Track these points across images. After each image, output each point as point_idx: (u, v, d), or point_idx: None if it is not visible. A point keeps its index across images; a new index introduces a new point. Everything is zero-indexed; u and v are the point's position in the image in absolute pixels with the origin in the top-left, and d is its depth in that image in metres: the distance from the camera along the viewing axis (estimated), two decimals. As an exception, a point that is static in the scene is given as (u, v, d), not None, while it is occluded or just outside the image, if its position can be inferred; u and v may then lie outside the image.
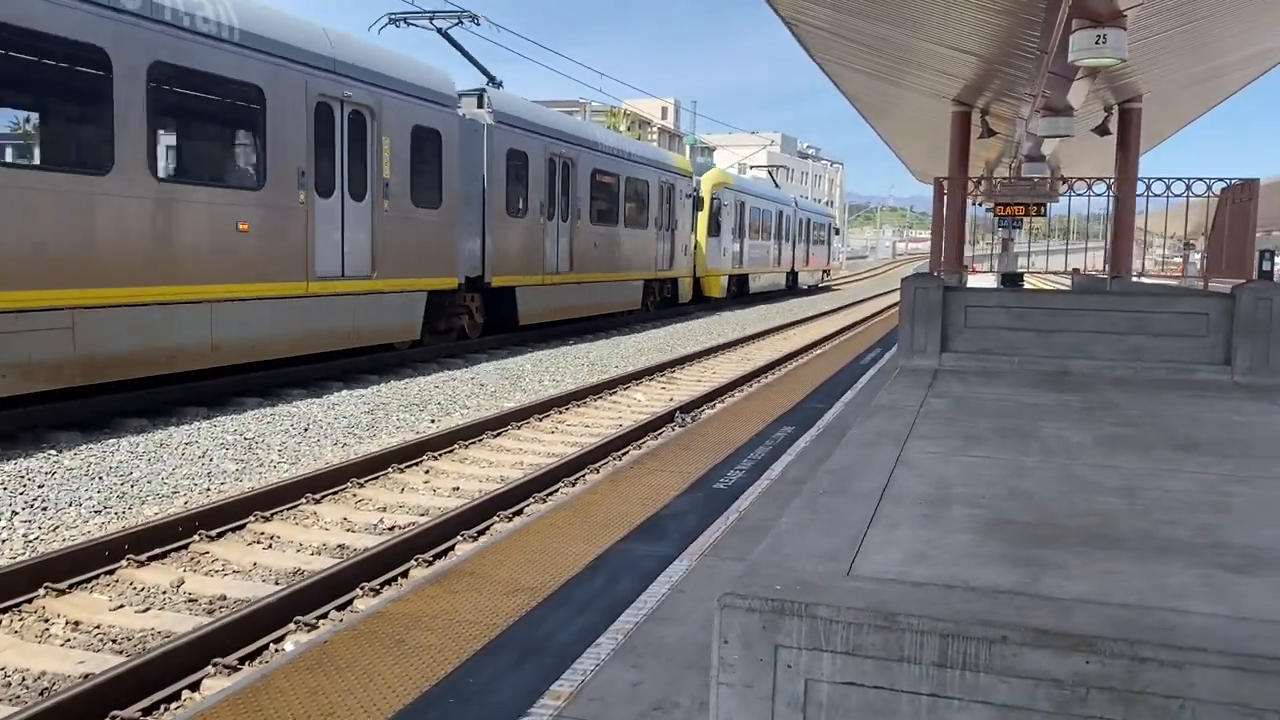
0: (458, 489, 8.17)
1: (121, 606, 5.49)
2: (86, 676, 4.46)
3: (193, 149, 11.25)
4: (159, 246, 10.10)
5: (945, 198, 12.72)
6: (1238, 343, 7.49)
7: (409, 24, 17.58)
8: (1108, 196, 13.25)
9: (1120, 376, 7.59)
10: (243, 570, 6.18)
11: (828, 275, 52.43)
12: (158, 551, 6.23)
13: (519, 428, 10.64)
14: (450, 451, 9.34)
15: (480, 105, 16.48)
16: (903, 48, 14.22)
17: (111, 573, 5.92)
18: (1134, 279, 18.63)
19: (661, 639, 4.03)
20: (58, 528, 6.69)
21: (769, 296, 36.61)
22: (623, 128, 71.93)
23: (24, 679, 4.58)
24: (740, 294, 33.31)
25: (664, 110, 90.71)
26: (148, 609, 5.47)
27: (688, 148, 74.18)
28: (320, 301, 12.28)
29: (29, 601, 5.43)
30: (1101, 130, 15.54)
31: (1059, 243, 46.45)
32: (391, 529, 7.02)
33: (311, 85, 11.98)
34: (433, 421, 10.82)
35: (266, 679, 3.66)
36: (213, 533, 6.62)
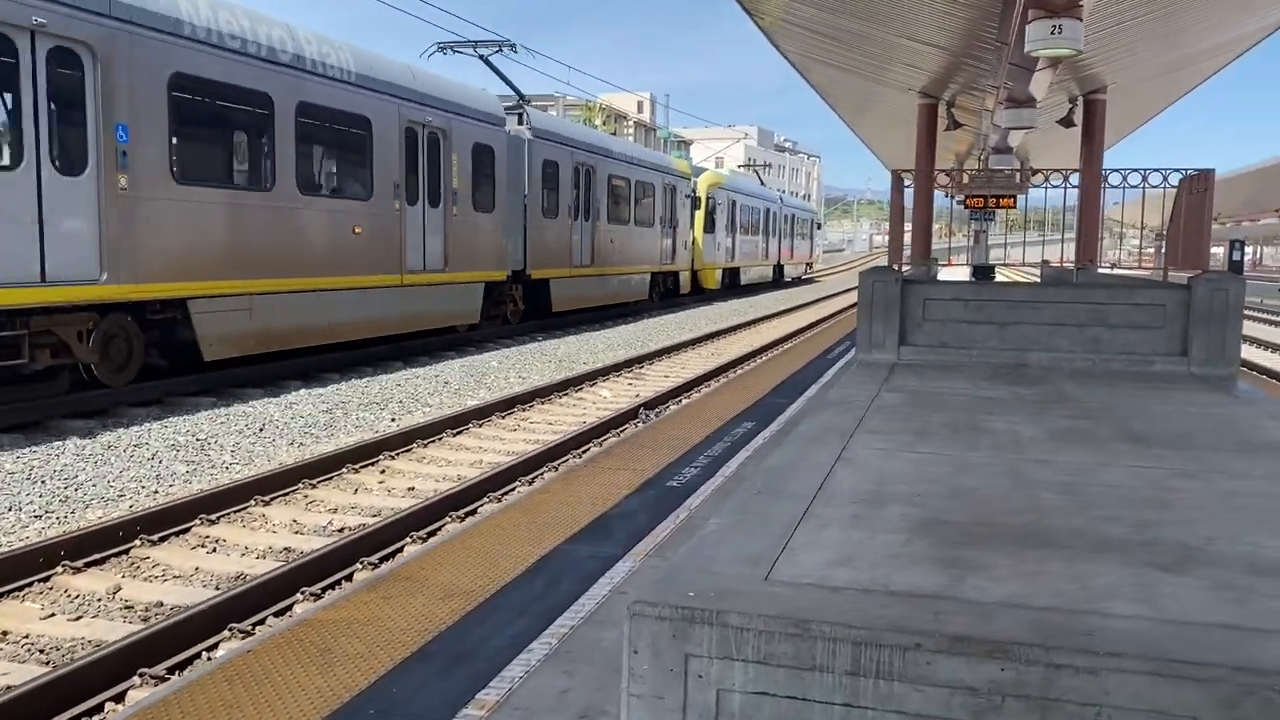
0: (413, 489, 8.04)
1: (53, 615, 5.33)
2: (8, 689, 4.30)
3: (324, 168, 13.77)
4: (303, 246, 12.83)
5: (905, 190, 12.65)
6: (1194, 333, 7.46)
7: (455, 51, 20.32)
8: (1066, 188, 13.23)
9: (1078, 368, 7.55)
10: (184, 575, 6.02)
11: (810, 268, 55.00)
12: (96, 557, 6.07)
13: (480, 425, 10.50)
14: (408, 450, 9.20)
15: (520, 122, 19.23)
16: (867, 40, 14.17)
17: (46, 580, 5.76)
18: (1108, 270, 18.69)
19: (597, 643, 3.93)
20: (-6, 534, 6.51)
21: (758, 288, 38.95)
22: (598, 122, 71.74)
23: (-57, 693, 4.42)
24: (732, 286, 35.76)
25: (639, 105, 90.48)
26: (80, 617, 5.31)
27: (662, 142, 74.06)
28: (409, 290, 15.05)
29: (-44, 611, 5.28)
30: (1066, 122, 15.55)
31: (1034, 235, 46.83)
32: (341, 531, 6.88)
33: (402, 113, 14.65)
34: (393, 420, 10.67)
35: (179, 693, 3.53)
36: (154, 537, 6.47)
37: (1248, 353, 18.85)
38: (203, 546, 6.54)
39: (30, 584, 5.68)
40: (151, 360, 11.14)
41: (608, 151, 23.79)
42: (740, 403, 10.21)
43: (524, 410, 11.50)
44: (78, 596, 5.59)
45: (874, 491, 3.82)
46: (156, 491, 7.70)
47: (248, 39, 11.68)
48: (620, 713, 2.57)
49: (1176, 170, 8.30)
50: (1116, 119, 21.26)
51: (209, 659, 4.74)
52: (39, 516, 6.91)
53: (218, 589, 5.71)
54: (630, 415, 10.99)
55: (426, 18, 64.54)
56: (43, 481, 7.63)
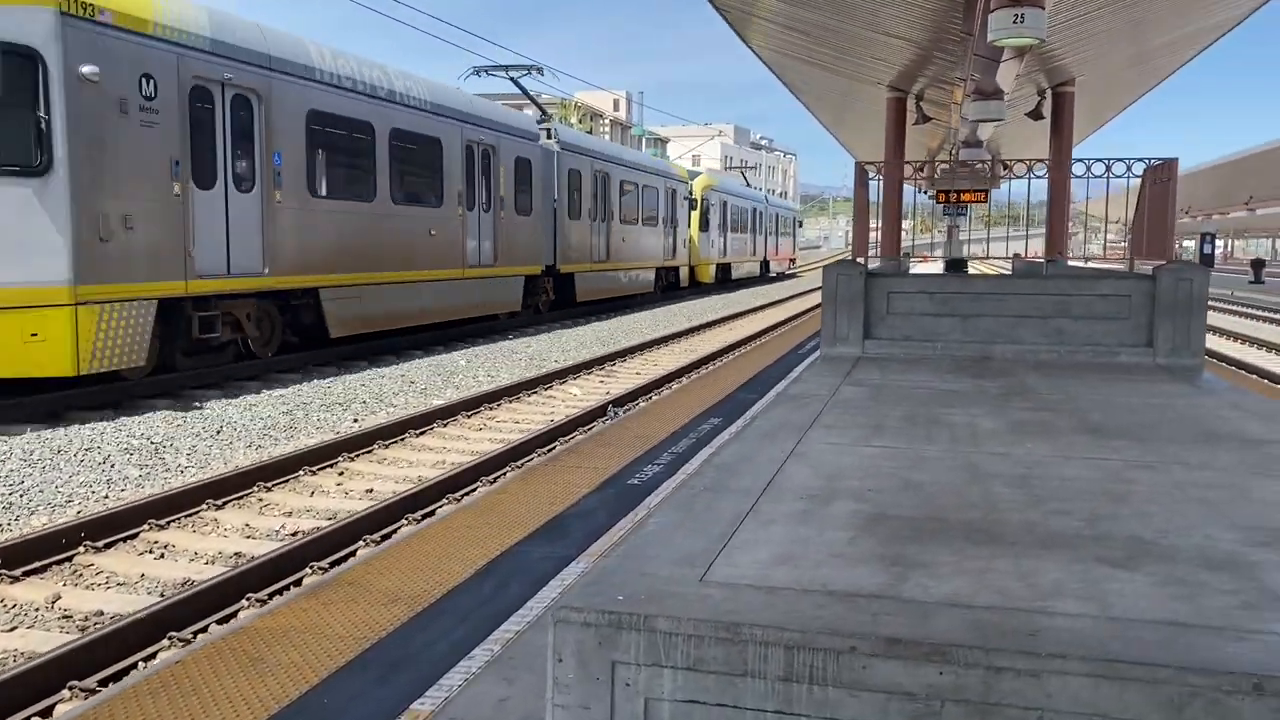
0: (371, 491, 7.87)
1: (-13, 626, 5.15)
2: (-70, 705, 4.13)
3: (409, 182, 16.15)
4: (395, 246, 15.51)
5: (871, 183, 12.59)
6: (1159, 324, 7.41)
7: (489, 74, 23.62)
8: (1031, 180, 13.21)
9: (1043, 360, 7.48)
10: (128, 583, 5.84)
11: (793, 263, 58.48)
12: (36, 565, 5.88)
13: (445, 425, 10.34)
14: (369, 451, 9.03)
15: (549, 136, 22.03)
16: (836, 34, 14.08)
17: (-18, 590, 5.57)
18: (1083, 263, 18.70)
19: (541, 649, 3.78)
20: (-67, 542, 6.30)
21: (746, 282, 42.10)
22: (574, 120, 71.56)
23: None
24: (724, 280, 38.80)
25: (615, 103, 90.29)
26: (14, 628, 5.13)
27: (636, 139, 73.93)
28: (468, 282, 17.87)
29: (-115, 624, 5.08)
30: (1035, 114, 15.53)
31: (1010, 229, 47.17)
32: (294, 535, 6.71)
33: (464, 134, 17.53)
34: (355, 421, 10.49)
35: (104, 706, 3.37)
36: (100, 543, 6.28)
37: (1219, 345, 18.94)
38: (150, 552, 6.35)
39: (-35, 594, 5.49)
40: (287, 338, 13.88)
41: (620, 160, 26.88)
42: (710, 398, 10.10)
43: (491, 409, 11.34)
44: (14, 606, 5.40)
45: (824, 487, 3.71)
46: (107, 496, 7.50)
47: (356, 79, 14.48)
48: (546, 724, 2.45)
49: (1140, 160, 8.33)
50: (1087, 112, 21.32)
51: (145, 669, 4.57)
52: (-19, 524, 6.70)
53: (162, 596, 5.54)
54: (599, 412, 10.86)
55: (401, 18, 64.05)
56: (-13, 488, 7.42)
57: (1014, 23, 7.80)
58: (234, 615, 5.24)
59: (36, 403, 9.93)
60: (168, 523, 6.79)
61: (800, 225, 69.32)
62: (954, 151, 23.42)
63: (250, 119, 12.27)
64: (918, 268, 39.23)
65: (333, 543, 6.24)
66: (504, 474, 8.24)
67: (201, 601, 5.21)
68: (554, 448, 9.27)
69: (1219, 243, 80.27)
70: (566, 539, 5.25)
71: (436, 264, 16.71)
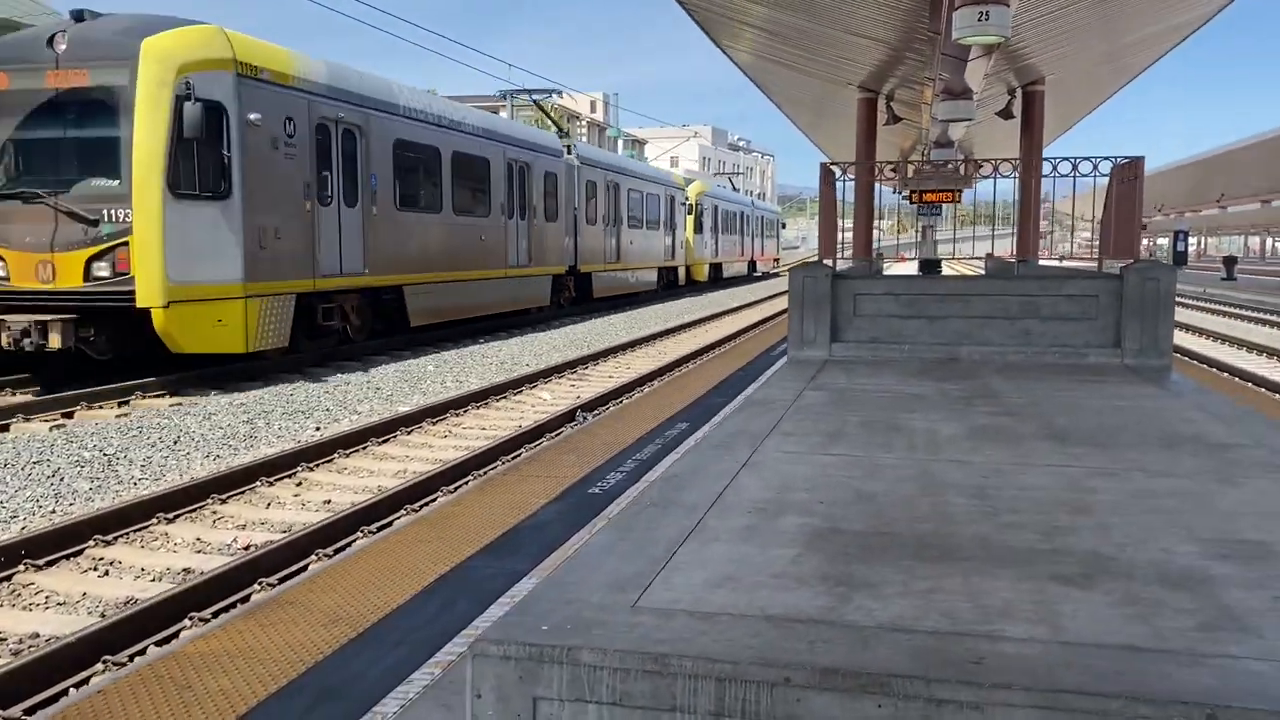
0: (329, 502, 7.69)
1: (-86, 651, 4.94)
2: None
3: (464, 196, 18.95)
4: (456, 250, 18.54)
5: (838, 184, 12.50)
6: (1127, 324, 7.33)
7: (514, 97, 28.16)
8: (998, 180, 13.17)
9: (1010, 362, 7.39)
10: (69, 602, 5.64)
11: (777, 263, 60.98)
12: (-28, 586, 5.67)
13: (409, 433, 10.15)
14: (329, 461, 8.84)
15: (569, 152, 24.91)
16: (806, 34, 14.00)
17: (-87, 612, 5.36)
18: (1055, 262, 18.69)
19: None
20: None
21: (735, 281, 45.02)
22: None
23: None
24: (716, 279, 41.71)
25: (592, 104, 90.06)
26: (-57, 653, 4.92)
27: (617, 142, 73.72)
28: (509, 280, 20.94)
29: None
30: (1005, 114, 15.50)
31: (983, 229, 47.46)
32: (247, 548, 6.52)
33: (505, 153, 20.59)
34: (318, 429, 10.29)
35: (15, 741, 3.19)
36: (40, 561, 6.07)
37: (1192, 342, 18.99)
38: (94, 570, 6.15)
39: (-107, 618, 5.28)
40: (376, 326, 16.61)
41: (627, 171, 30.40)
42: (680, 401, 9.97)
43: (458, 415, 11.16)
44: (-54, 630, 5.19)
45: (774, 500, 3.57)
46: (54, 511, 7.28)
47: (427, 112, 17.50)
48: (463, 765, 2.29)
49: (1106, 159, 8.29)
50: (1059, 110, 21.35)
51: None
52: (-81, 542, 6.47)
53: (103, 616, 5.34)
54: (568, 417, 10.71)
55: (361, 17, 63.56)
56: (-72, 504, 7.19)
57: (978, 20, 7.72)
58: (175, 636, 5.05)
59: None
60: (115, 538, 6.59)
61: (784, 226, 72.94)
62: (926, 152, 23.42)
63: (355, 148, 15.17)
64: (894, 268, 39.32)
65: (284, 557, 6.05)
66: (467, 482, 8.07)
67: (142, 622, 5.02)
68: (520, 454, 9.10)
69: (1192, 240, 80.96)
70: (520, 553, 5.10)
71: (485, 265, 19.86)
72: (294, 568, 6.01)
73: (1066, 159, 8.50)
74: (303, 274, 13.82)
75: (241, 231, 12.51)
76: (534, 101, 27.68)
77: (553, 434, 10.01)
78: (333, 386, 12.67)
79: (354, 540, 6.58)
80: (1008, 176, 9.85)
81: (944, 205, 28.78)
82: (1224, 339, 19.88)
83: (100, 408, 10.73)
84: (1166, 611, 2.41)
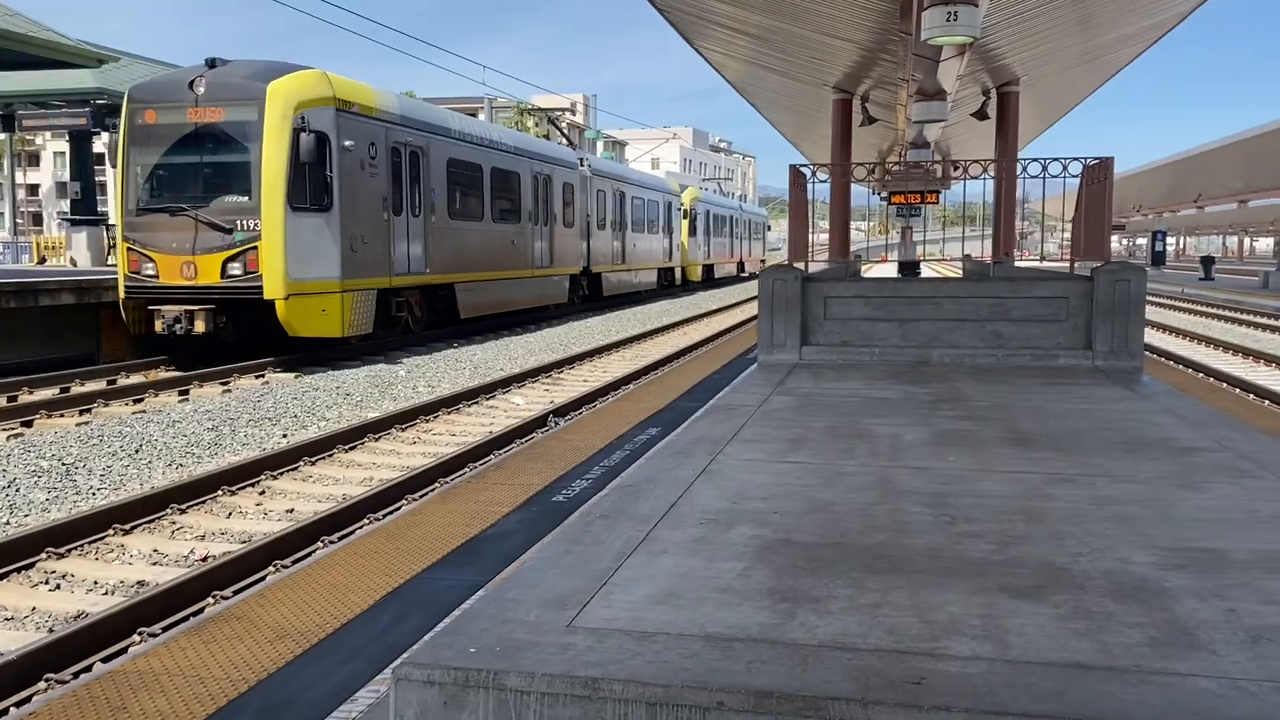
0: (292, 511, 7.55)
1: None
2: None
3: (500, 205, 21.58)
4: (494, 252, 21.30)
5: (813, 185, 12.40)
6: (1097, 326, 7.29)
7: (530, 114, 36.65)
8: (970, 180, 13.14)
9: (980, 365, 7.33)
10: (16, 617, 5.49)
11: (763, 264, 62.17)
12: (-84, 602, 5.52)
13: (378, 439, 10.01)
14: (294, 469, 8.69)
15: (582, 164, 27.61)
16: (780, 35, 13.94)
17: None
18: (1036, 263, 18.68)
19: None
20: None
21: (725, 281, 47.55)
22: (530, 124, 71.21)
23: None
24: (708, 279, 44.31)
25: (573, 106, 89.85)
26: (-118, 672, 4.76)
27: (596, 144, 73.63)
28: (534, 279, 23.65)
29: None
30: (980, 115, 15.49)
31: (967, 230, 47.80)
32: (205, 560, 6.39)
33: (532, 167, 23.34)
34: (285, 436, 10.14)
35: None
36: (-10, 576, 5.92)
37: (1168, 342, 19.04)
38: (45, 583, 6.00)
39: None
40: (431, 318, 19.14)
41: (631, 180, 33.13)
42: (656, 404, 9.86)
43: (428, 421, 11.03)
44: (-114, 647, 5.04)
45: (728, 510, 3.48)
46: (9, 523, 7.12)
47: (472, 133, 20.49)
48: (385, 797, 2.18)
49: (1076, 159, 8.24)
50: (1036, 111, 21.38)
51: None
52: None
53: (50, 631, 5.20)
54: (539, 422, 10.60)
55: (348, 25, 63.17)
56: (-122, 517, 7.01)
57: (947, 21, 7.67)
58: (125, 651, 4.91)
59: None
60: (68, 550, 6.44)
61: (769, 229, 75.20)
62: (903, 153, 23.43)
63: (419, 166, 17.79)
64: (875, 270, 39.29)
65: (239, 569, 5.92)
66: (433, 489, 7.94)
67: (89, 637, 4.88)
68: (490, 459, 8.98)
69: (1171, 240, 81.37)
70: (478, 564, 4.99)
71: (517, 265, 22.56)
72: (251, 579, 5.88)
73: (1035, 160, 8.49)
74: (381, 273, 16.53)
75: (339, 238, 15.26)
76: (550, 121, 32.51)
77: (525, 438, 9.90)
78: (300, 393, 12.49)
79: (314, 550, 6.45)
80: (977, 178, 9.84)
81: (924, 206, 28.81)
82: (1201, 339, 19.95)
83: (61, 415, 10.54)
84: (1117, 626, 2.33)
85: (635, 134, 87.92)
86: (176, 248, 14.55)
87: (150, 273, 14.70)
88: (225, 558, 6.06)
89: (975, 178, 8.81)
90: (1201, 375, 13.97)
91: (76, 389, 12.30)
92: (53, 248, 26.57)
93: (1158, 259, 54.54)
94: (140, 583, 5.98)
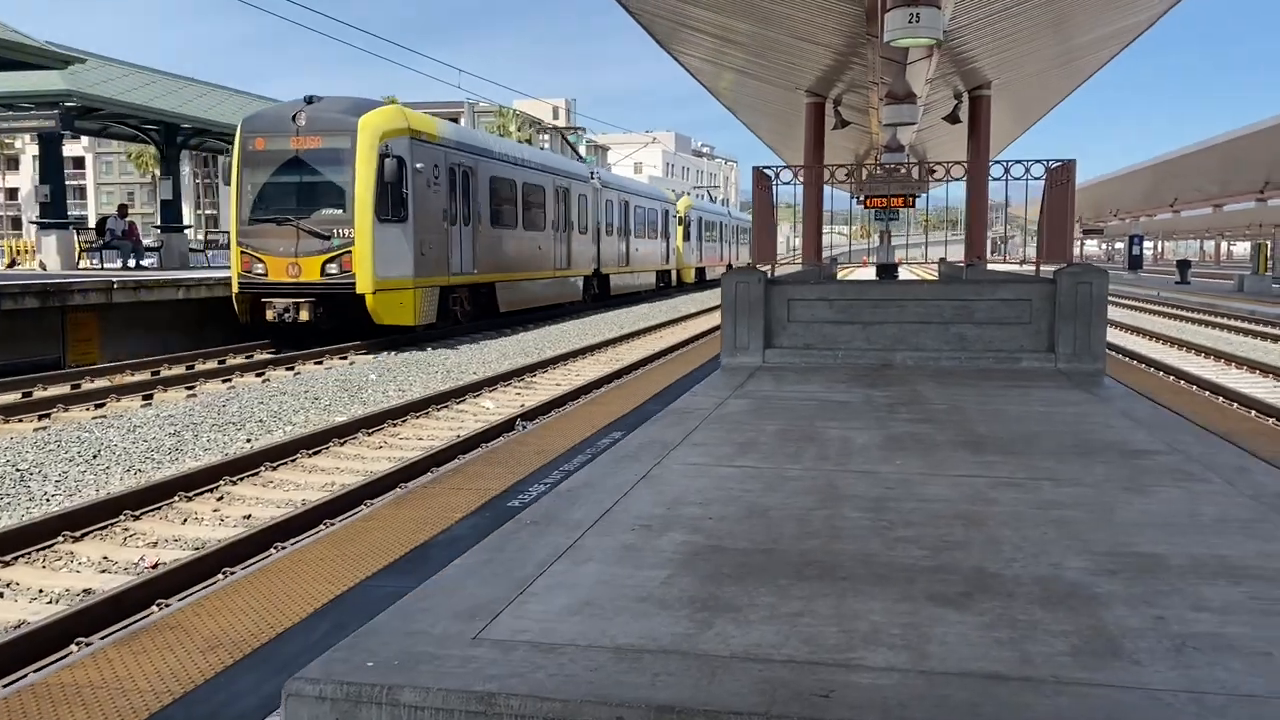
0: (249, 517, 7.43)
1: None
2: None
3: (529, 215, 24.75)
4: (525, 256, 24.30)
5: (776, 186, 12.39)
6: (1060, 328, 7.26)
7: (542, 131, 46.24)
8: (950, 184, 13.16)
9: (943, 368, 7.29)
10: (-46, 628, 5.36)
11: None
12: None
13: (342, 444, 9.89)
14: (255, 474, 8.57)
15: (592, 177, 30.94)
16: (753, 39, 13.91)
17: None
18: (1018, 266, 18.69)
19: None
20: None
21: (716, 283, 46.44)
22: (513, 128, 71.09)
23: None
24: (700, 281, 47.38)
25: (555, 110, 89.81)
26: None
27: (580, 146, 73.51)
28: (556, 280, 27.02)
29: None
30: (952, 118, 15.50)
31: (947, 232, 48.03)
32: (155, 567, 6.26)
33: (554, 181, 26.69)
34: (248, 441, 10.01)
35: None
36: (-71, 585, 5.78)
37: (1141, 345, 19.10)
38: (-12, 592, 5.87)
39: None
40: (475, 312, 21.98)
41: (634, 190, 36.62)
42: (622, 408, 9.77)
43: (395, 425, 10.91)
44: None
45: (662, 516, 3.40)
46: (-44, 530, 6.95)
47: (508, 154, 23.68)
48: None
49: (1039, 162, 8.23)
50: (1011, 114, 21.44)
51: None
52: None
53: (-10, 642, 5.06)
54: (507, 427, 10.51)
55: (328, 31, 63.13)
56: None
57: (909, 22, 7.63)
58: (62, 660, 4.78)
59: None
60: (14, 558, 6.30)
61: None
62: (877, 157, 23.47)
63: (469, 184, 20.95)
64: (855, 273, 39.18)
65: (189, 576, 5.80)
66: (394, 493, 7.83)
67: (25, 648, 4.76)
68: (455, 461, 8.87)
69: (1149, 244, 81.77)
70: (425, 571, 4.86)
71: (542, 267, 25.82)
72: (198, 587, 5.76)
73: (998, 162, 8.49)
74: (442, 272, 19.72)
75: (413, 243, 18.45)
76: (564, 138, 38.52)
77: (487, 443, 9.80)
78: (268, 397, 12.34)
79: (268, 556, 6.33)
80: (944, 180, 9.81)
81: (902, 210, 28.83)
82: (1174, 342, 20.03)
83: (20, 420, 10.37)
84: (1040, 634, 2.26)
85: (617, 138, 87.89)
86: (283, 251, 17.62)
87: (260, 271, 17.77)
88: (174, 564, 5.94)
89: (941, 180, 8.77)
90: (1172, 378, 14.00)
91: (39, 393, 12.12)
92: (24, 251, 26.32)
93: (1135, 263, 54.91)
94: (86, 591, 5.85)
